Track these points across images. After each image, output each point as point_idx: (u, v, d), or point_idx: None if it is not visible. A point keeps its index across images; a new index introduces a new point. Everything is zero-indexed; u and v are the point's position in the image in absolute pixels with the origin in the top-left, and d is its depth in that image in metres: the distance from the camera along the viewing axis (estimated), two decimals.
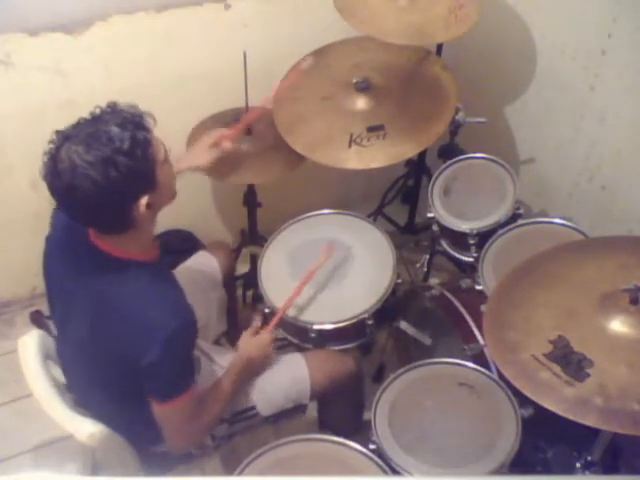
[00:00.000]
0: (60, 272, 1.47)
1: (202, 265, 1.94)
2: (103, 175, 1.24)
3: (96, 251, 1.39)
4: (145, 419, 1.52)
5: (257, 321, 1.78)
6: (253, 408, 1.68)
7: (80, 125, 1.29)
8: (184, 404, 1.43)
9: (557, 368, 1.24)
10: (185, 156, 1.87)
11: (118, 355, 1.39)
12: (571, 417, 1.18)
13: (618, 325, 1.27)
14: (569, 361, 1.24)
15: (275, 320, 1.74)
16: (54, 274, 1.50)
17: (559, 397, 1.21)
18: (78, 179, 1.24)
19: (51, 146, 1.27)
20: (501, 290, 1.48)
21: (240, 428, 1.71)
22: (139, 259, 1.41)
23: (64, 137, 1.27)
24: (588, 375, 1.22)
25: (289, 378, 1.71)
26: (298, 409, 1.74)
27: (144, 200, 1.31)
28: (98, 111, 1.31)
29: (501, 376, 1.60)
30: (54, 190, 1.28)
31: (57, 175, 1.25)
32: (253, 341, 1.70)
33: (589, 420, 1.17)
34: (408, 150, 1.92)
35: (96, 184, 1.24)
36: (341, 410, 1.89)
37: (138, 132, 1.28)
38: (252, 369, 1.67)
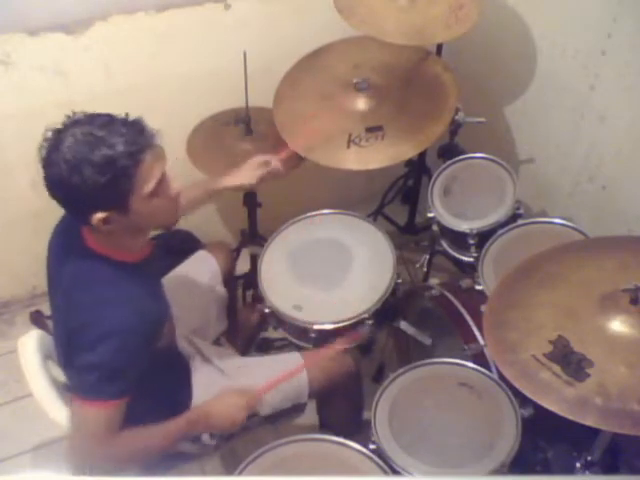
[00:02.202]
0: (52, 262, 1.49)
1: (201, 265, 1.94)
2: (67, 174, 1.25)
3: (81, 243, 1.40)
4: (134, 416, 1.52)
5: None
6: None
7: (93, 118, 1.29)
8: (103, 412, 1.35)
9: (557, 368, 1.24)
10: (231, 175, 1.83)
11: (68, 342, 1.40)
12: (571, 417, 1.18)
13: (618, 325, 1.27)
14: (569, 361, 1.24)
15: (263, 389, 1.60)
16: (49, 265, 1.51)
17: (559, 397, 1.21)
18: (53, 162, 1.26)
19: (65, 121, 1.29)
20: (501, 290, 1.48)
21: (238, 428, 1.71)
22: (116, 258, 1.40)
23: (75, 121, 1.29)
24: (588, 375, 1.22)
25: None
26: (296, 408, 1.74)
27: (100, 215, 1.30)
28: (121, 116, 1.30)
29: (501, 376, 1.60)
30: (40, 157, 1.29)
31: (45, 145, 1.28)
32: (226, 400, 1.53)
33: (589, 420, 1.17)
34: (407, 151, 1.92)
35: (60, 177, 1.25)
36: (340, 409, 1.89)
37: (123, 158, 1.26)
38: (208, 425, 1.52)
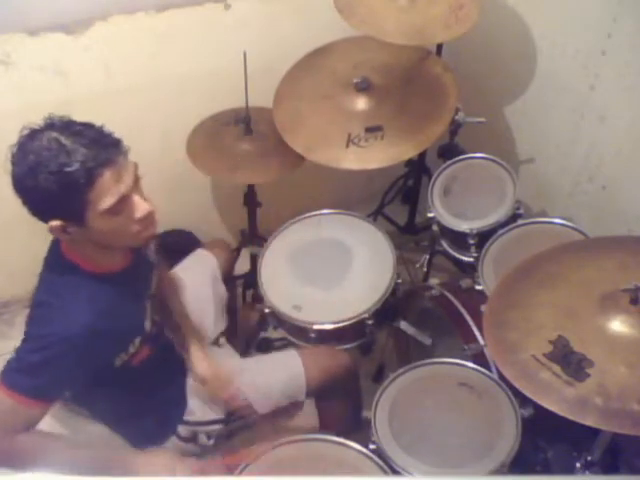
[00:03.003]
0: None
1: (200, 263, 1.94)
2: (25, 176, 1.24)
3: (57, 247, 1.41)
4: (128, 419, 1.52)
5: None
6: (248, 406, 1.68)
7: (67, 125, 1.28)
8: (13, 404, 1.31)
9: (557, 368, 1.24)
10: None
11: None
12: (571, 417, 1.18)
13: (618, 325, 1.27)
14: (569, 361, 1.24)
15: (198, 468, 1.48)
16: None
17: (559, 397, 1.21)
18: (17, 160, 1.26)
19: (42, 123, 1.28)
20: (501, 290, 1.48)
21: (237, 427, 1.71)
22: (83, 267, 1.38)
23: (50, 124, 1.28)
24: (588, 375, 1.22)
25: (284, 375, 1.71)
26: (295, 406, 1.74)
27: (56, 223, 1.29)
28: (97, 126, 1.28)
29: (501, 376, 1.60)
30: (10, 152, 1.28)
31: (17, 143, 1.28)
32: (158, 459, 1.44)
33: (589, 420, 1.17)
34: (406, 151, 1.92)
35: (21, 177, 1.25)
36: (339, 406, 1.89)
37: (78, 172, 1.23)
38: (127, 470, 1.41)
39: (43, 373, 1.32)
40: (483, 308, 1.62)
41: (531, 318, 1.36)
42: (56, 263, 1.40)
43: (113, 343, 1.43)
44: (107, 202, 1.27)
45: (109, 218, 1.29)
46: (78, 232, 1.31)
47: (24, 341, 1.35)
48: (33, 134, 1.27)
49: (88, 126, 1.28)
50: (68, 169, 1.22)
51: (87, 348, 1.33)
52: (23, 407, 1.32)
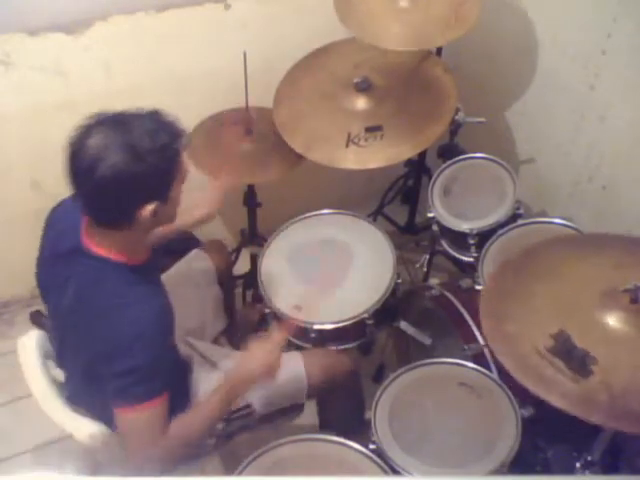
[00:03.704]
0: (49, 260, 1.47)
1: (195, 264, 1.94)
2: (128, 164, 1.24)
3: (81, 246, 1.38)
4: None
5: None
6: (248, 406, 1.68)
7: (122, 114, 1.29)
8: (153, 411, 1.35)
9: (560, 363, 1.23)
10: (193, 208, 1.82)
11: (92, 351, 1.39)
12: (576, 413, 1.17)
13: (617, 323, 1.27)
14: (572, 356, 1.23)
15: (287, 327, 1.65)
16: (45, 271, 1.50)
17: (563, 392, 1.20)
18: (104, 159, 1.23)
19: (88, 122, 1.27)
20: (497, 280, 1.47)
21: (236, 427, 1.71)
22: (119, 260, 1.38)
23: (101, 119, 1.28)
24: (591, 372, 1.21)
25: (286, 376, 1.71)
26: (295, 408, 1.74)
27: (152, 206, 1.30)
28: (144, 111, 1.31)
29: (501, 376, 1.60)
30: (74, 163, 1.26)
31: (84, 148, 1.24)
32: (254, 351, 1.50)
33: (595, 418, 1.16)
34: (406, 151, 1.92)
35: (118, 170, 1.23)
36: (340, 409, 1.89)
37: (173, 140, 1.29)
38: (249, 380, 1.51)
39: (157, 370, 1.35)
40: None
41: (529, 310, 1.35)
42: (89, 266, 1.37)
43: (172, 317, 1.45)
44: (186, 163, 1.35)
45: (179, 186, 1.36)
46: (161, 212, 1.33)
47: (114, 358, 1.33)
48: (93, 130, 1.26)
49: (137, 110, 1.31)
50: (167, 144, 1.28)
51: (168, 325, 1.40)
52: (162, 406, 1.36)
